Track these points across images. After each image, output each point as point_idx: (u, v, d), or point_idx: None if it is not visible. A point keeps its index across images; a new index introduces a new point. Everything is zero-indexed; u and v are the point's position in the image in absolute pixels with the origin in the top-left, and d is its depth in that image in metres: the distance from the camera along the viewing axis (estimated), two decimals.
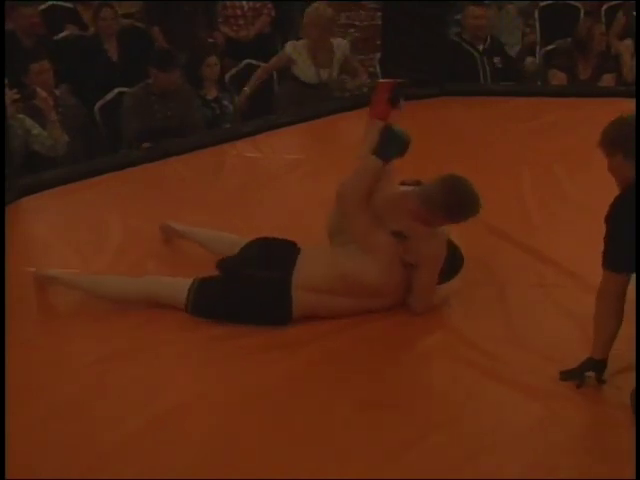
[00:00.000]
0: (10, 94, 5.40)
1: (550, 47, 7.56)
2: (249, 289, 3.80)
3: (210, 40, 7.66)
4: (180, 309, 3.83)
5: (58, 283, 4.05)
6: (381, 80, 3.76)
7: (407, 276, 3.81)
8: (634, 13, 7.45)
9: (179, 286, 3.86)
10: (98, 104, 6.37)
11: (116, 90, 6.43)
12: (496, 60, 7.18)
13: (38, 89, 5.68)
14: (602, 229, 3.19)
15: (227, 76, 6.99)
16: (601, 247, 3.27)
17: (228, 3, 7.83)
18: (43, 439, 3.11)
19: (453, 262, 3.92)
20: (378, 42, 7.41)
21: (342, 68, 6.80)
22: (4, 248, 4.24)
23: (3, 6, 4.64)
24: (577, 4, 8.30)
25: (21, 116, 5.59)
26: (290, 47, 6.77)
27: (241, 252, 4.00)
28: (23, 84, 5.86)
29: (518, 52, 7.92)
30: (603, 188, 4.90)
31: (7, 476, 2.77)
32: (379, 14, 7.66)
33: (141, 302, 3.88)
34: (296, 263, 3.80)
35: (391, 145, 3.87)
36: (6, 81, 5.28)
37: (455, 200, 3.72)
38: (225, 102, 6.58)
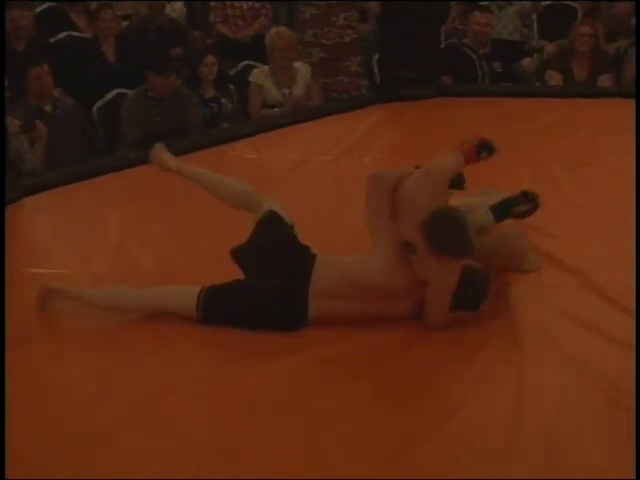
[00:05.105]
0: (14, 124, 5.40)
1: (547, 48, 7.56)
2: (264, 296, 3.74)
3: (208, 41, 7.68)
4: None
5: (64, 297, 3.91)
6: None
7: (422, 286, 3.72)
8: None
9: (187, 294, 3.78)
10: (96, 105, 6.38)
11: (115, 91, 6.43)
12: (496, 65, 7.21)
13: (39, 123, 5.67)
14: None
15: (225, 77, 7.00)
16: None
17: (228, 3, 7.84)
18: (49, 440, 3.10)
19: (475, 293, 3.76)
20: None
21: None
22: (4, 248, 4.25)
23: (3, 6, 4.64)
24: (575, 5, 8.33)
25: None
26: (254, 75, 6.80)
27: (255, 239, 3.87)
28: (22, 89, 5.87)
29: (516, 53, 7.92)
30: (601, 188, 4.97)
31: (9, 476, 2.77)
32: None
33: (147, 312, 3.81)
34: (312, 272, 3.73)
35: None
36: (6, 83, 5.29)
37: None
38: (223, 100, 6.59)
